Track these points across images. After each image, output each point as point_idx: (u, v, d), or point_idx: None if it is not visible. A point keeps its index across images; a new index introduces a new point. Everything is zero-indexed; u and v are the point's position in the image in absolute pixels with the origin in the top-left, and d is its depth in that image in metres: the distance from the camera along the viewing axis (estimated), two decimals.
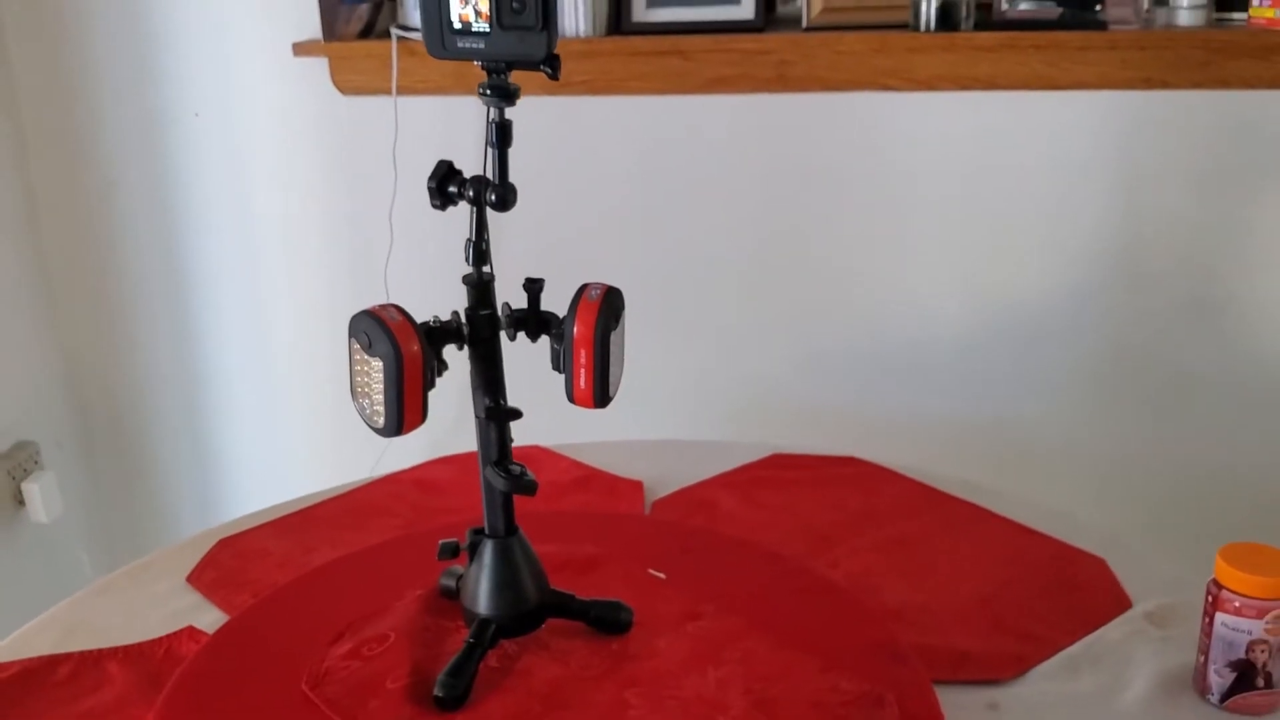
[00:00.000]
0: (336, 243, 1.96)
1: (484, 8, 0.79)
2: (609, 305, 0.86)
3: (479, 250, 0.88)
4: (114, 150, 2.00)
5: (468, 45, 0.81)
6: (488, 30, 0.80)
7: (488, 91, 0.83)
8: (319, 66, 1.80)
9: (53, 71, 1.98)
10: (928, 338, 1.77)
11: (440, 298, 1.90)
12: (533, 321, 0.91)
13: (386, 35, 1.74)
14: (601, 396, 0.87)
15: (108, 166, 2.02)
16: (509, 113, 0.85)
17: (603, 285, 0.88)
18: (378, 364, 0.82)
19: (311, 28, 1.77)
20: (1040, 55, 1.56)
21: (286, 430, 2.12)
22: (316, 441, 2.11)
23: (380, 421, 0.84)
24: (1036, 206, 1.67)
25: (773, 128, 1.72)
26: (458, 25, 0.81)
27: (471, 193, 0.86)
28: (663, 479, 1.34)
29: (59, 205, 2.07)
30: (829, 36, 1.61)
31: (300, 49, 1.78)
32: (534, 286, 0.90)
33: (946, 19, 1.57)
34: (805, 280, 1.79)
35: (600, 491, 1.33)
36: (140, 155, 1.99)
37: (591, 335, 0.85)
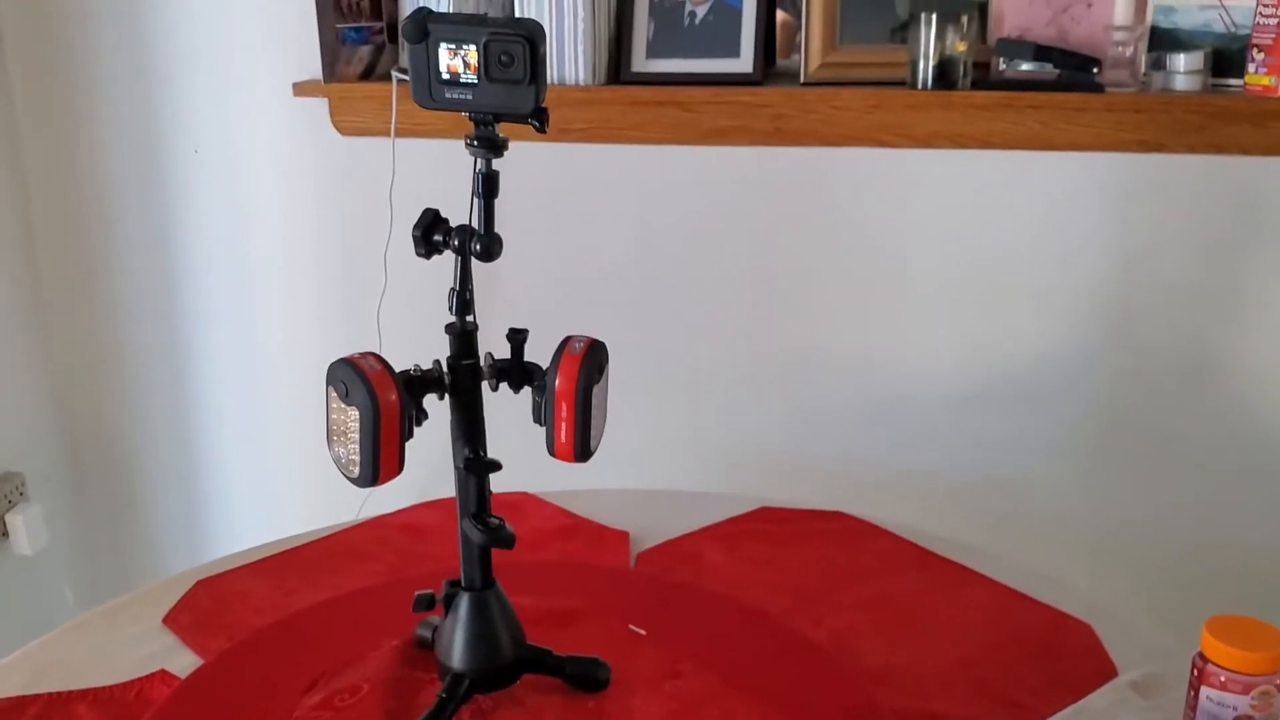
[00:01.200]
0: (331, 283, 1.96)
1: (472, 60, 0.79)
2: (592, 359, 0.86)
3: (463, 300, 0.88)
4: (113, 185, 2.01)
5: (455, 96, 0.81)
6: (476, 82, 0.80)
7: (475, 143, 0.83)
8: (319, 107, 1.81)
9: (54, 105, 1.99)
10: (921, 396, 1.76)
11: (432, 341, 1.89)
12: (515, 372, 0.90)
13: (387, 77, 1.75)
14: (582, 451, 0.87)
15: (106, 201, 2.02)
16: (496, 163, 0.85)
17: (586, 338, 0.87)
18: (354, 413, 0.81)
19: (312, 68, 1.77)
20: (1037, 115, 1.56)
21: (276, 469, 2.11)
22: (306, 481, 2.10)
23: (356, 471, 0.83)
24: (1031, 266, 1.67)
25: (769, 180, 1.72)
26: (446, 76, 0.81)
27: (456, 242, 0.86)
28: (649, 530, 1.33)
29: (56, 238, 2.07)
30: (826, 92, 1.62)
31: (300, 89, 1.79)
32: (518, 337, 0.89)
33: (943, 77, 1.57)
34: (799, 334, 1.78)
35: (585, 541, 1.32)
36: (139, 190, 2.00)
37: (573, 389, 0.85)
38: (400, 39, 1.77)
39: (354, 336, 1.92)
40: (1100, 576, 1.74)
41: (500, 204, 1.68)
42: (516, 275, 1.80)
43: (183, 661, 1.06)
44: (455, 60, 0.80)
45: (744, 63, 1.65)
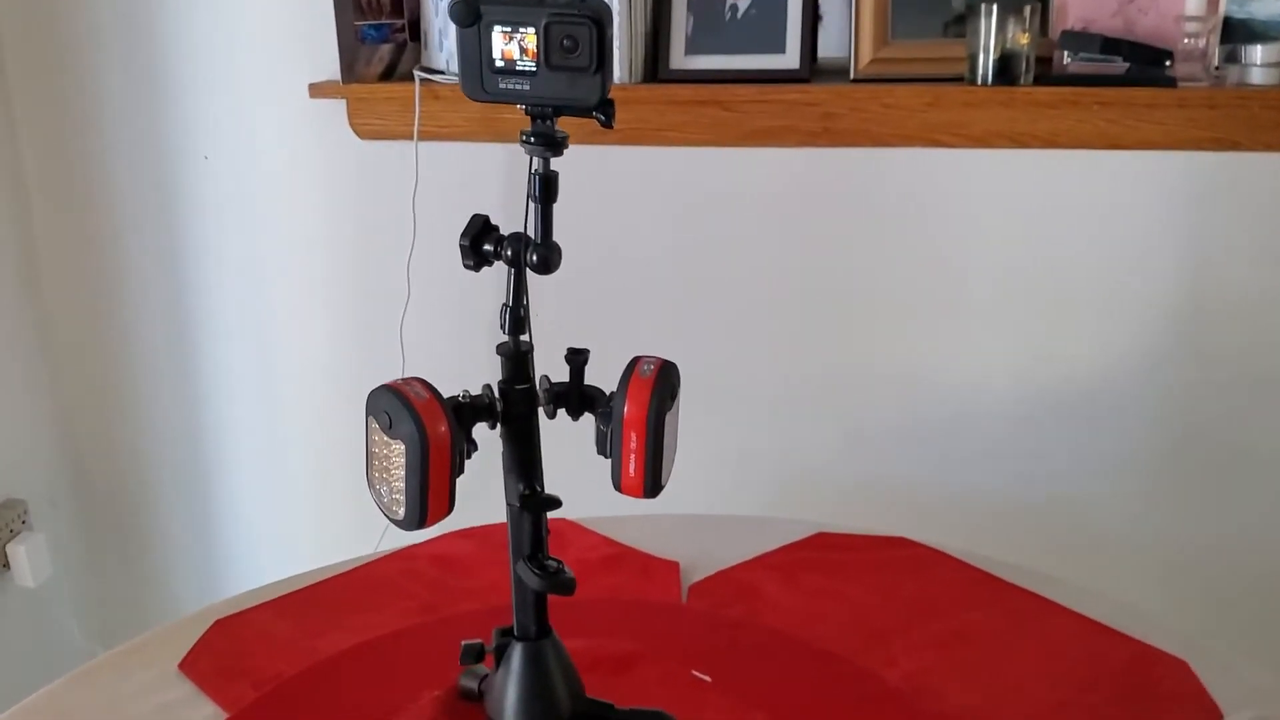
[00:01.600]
0: (351, 295, 1.87)
1: (531, 45, 0.70)
2: (664, 383, 0.76)
3: (517, 317, 0.78)
4: (118, 194, 1.92)
5: (510, 86, 0.72)
6: (534, 70, 0.71)
7: (531, 140, 0.73)
8: (336, 109, 1.72)
9: (56, 109, 1.90)
10: (978, 411, 1.67)
11: (460, 356, 1.81)
12: (575, 397, 0.81)
13: (408, 77, 1.66)
14: (653, 485, 0.77)
15: (111, 210, 1.94)
16: (555, 163, 0.75)
17: (656, 359, 0.78)
18: (399, 447, 0.72)
19: (329, 69, 1.69)
20: (1104, 112, 1.47)
21: (293, 492, 2.02)
22: (325, 505, 2.01)
23: (400, 512, 0.73)
24: (1096, 272, 1.59)
25: (817, 184, 1.63)
26: (500, 63, 0.71)
27: (510, 252, 0.77)
28: (700, 559, 1.26)
29: (60, 250, 1.99)
30: (878, 89, 1.53)
31: (317, 90, 1.70)
32: (577, 358, 0.80)
33: (1004, 73, 1.48)
34: (848, 346, 1.70)
35: (633, 572, 1.24)
36: (146, 199, 1.91)
37: (644, 417, 0.75)
38: (413, 37, 1.68)
39: (375, 352, 1.83)
40: (1176, 603, 1.65)
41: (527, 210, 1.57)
42: (546, 286, 1.71)
43: (202, 713, 0.98)
44: (511, 45, 0.70)
45: (789, 59, 1.55)
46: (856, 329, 1.69)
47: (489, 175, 1.68)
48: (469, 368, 1.81)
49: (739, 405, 1.76)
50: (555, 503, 0.81)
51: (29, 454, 2.01)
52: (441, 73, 1.61)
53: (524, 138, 0.74)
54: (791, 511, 1.37)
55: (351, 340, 1.89)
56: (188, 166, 1.87)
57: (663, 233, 1.71)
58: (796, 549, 1.30)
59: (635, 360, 0.78)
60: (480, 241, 0.78)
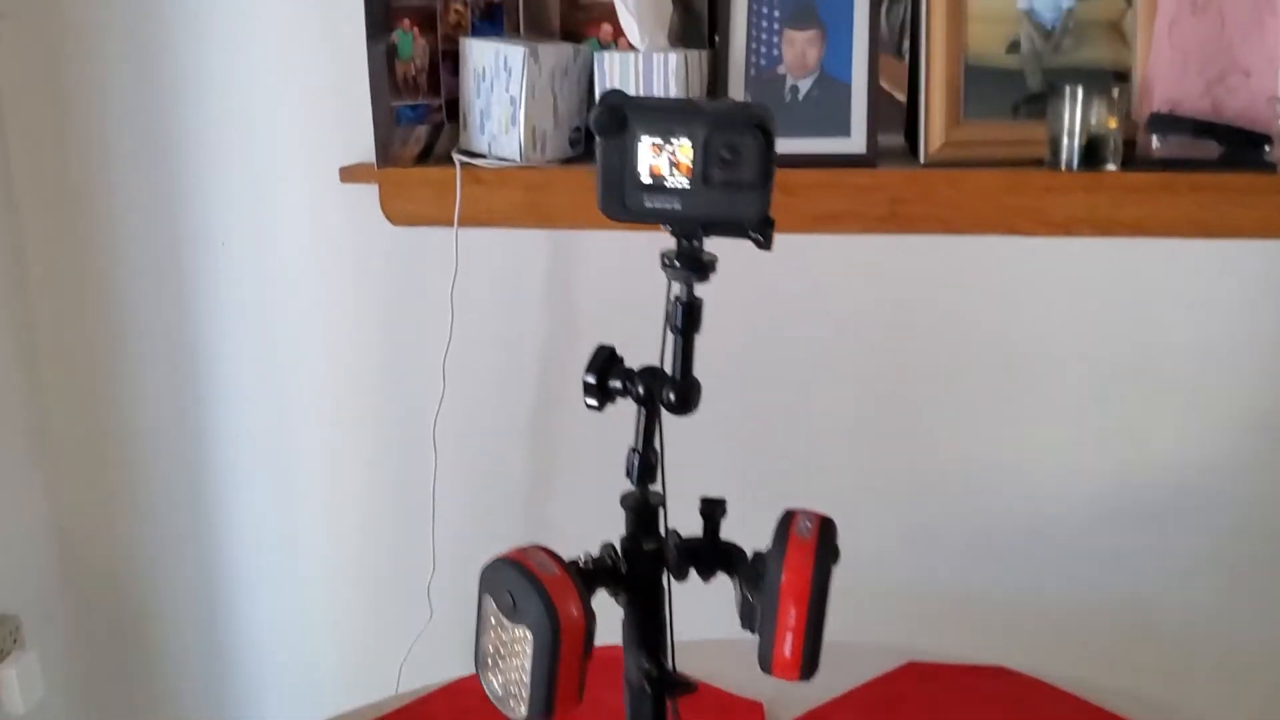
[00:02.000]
0: (379, 394, 1.73)
1: (684, 158, 0.60)
2: (826, 544, 0.66)
3: (647, 464, 0.67)
4: (127, 283, 1.77)
5: (658, 205, 0.62)
6: (687, 186, 0.60)
7: (676, 264, 0.63)
8: (367, 193, 1.60)
9: (59, 188, 1.76)
10: (1057, 514, 1.56)
11: (497, 459, 1.68)
12: (707, 555, 0.69)
13: (444, 160, 1.54)
14: (810, 666, 0.66)
15: (118, 303, 1.79)
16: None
17: (814, 514, 0.67)
18: (524, 634, 0.60)
19: (361, 150, 1.57)
20: (1196, 198, 1.38)
21: (310, 608, 1.85)
22: (345, 623, 1.84)
23: (522, 709, 0.62)
24: (1185, 367, 1.48)
25: (884, 272, 1.53)
26: (647, 180, 0.61)
27: (642, 389, 0.66)
28: (783, 694, 1.15)
29: (61, 345, 1.83)
30: (952, 173, 1.43)
31: (348, 174, 1.58)
32: (713, 509, 0.69)
33: (1089, 156, 1.39)
34: (919, 445, 1.58)
35: (713, 715, 1.12)
36: (157, 289, 1.77)
37: (806, 586, 0.65)
38: (450, 117, 1.56)
39: (407, 455, 1.69)
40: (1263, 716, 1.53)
41: (574, 301, 1.45)
42: (576, 379, 1.60)
43: None
44: (660, 159, 0.60)
45: (855, 142, 1.45)
46: (927, 424, 1.57)
47: (531, 263, 1.56)
48: (506, 472, 1.69)
49: (802, 503, 1.64)
50: (690, 687, 0.69)
51: (22, 566, 1.83)
52: (482, 156, 1.50)
53: (665, 261, 0.64)
54: (858, 616, 1.25)
55: (379, 442, 1.74)
56: (203, 254, 1.74)
57: (718, 325, 1.58)
58: (888, 682, 1.19)
59: (789, 516, 0.67)
60: (606, 376, 0.67)
